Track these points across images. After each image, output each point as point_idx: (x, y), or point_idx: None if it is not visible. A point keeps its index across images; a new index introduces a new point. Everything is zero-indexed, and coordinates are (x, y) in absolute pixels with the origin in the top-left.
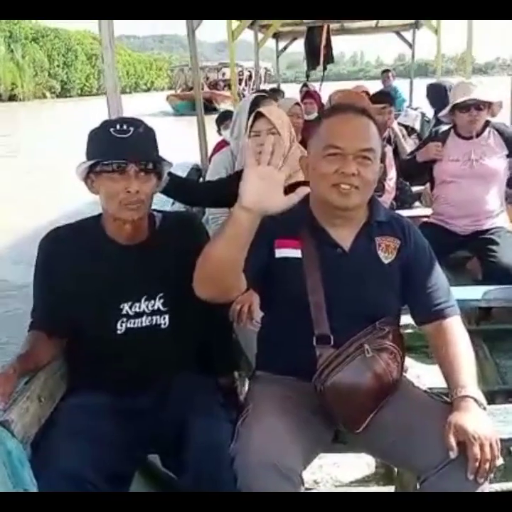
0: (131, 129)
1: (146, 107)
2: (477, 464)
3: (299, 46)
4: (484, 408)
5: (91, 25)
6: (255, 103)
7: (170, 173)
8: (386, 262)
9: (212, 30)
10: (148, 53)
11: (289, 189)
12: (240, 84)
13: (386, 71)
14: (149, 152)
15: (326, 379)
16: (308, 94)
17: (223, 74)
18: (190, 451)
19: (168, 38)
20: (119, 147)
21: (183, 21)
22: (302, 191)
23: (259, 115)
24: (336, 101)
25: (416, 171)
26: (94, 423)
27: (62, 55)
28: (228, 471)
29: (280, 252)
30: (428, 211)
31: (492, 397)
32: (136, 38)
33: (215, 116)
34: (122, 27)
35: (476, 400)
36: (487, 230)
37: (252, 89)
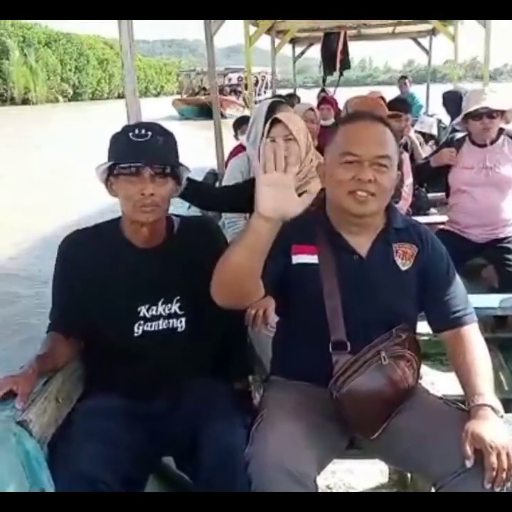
0: (150, 133)
1: (154, 111)
2: (494, 473)
3: (308, 52)
4: (501, 416)
5: (102, 30)
6: (272, 108)
7: (187, 178)
8: (403, 268)
9: (222, 35)
10: (158, 58)
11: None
12: (246, 89)
13: (403, 78)
14: (166, 156)
15: (341, 386)
16: (324, 100)
17: (229, 79)
18: (204, 455)
19: (176, 42)
20: (136, 150)
21: (192, 26)
22: (314, 189)
23: (276, 121)
24: (352, 107)
25: (430, 176)
26: (110, 425)
27: (74, 60)
28: (243, 476)
29: (297, 258)
30: (444, 218)
31: (507, 406)
32: (146, 43)
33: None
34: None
35: (493, 408)
36: (503, 239)
37: (259, 94)
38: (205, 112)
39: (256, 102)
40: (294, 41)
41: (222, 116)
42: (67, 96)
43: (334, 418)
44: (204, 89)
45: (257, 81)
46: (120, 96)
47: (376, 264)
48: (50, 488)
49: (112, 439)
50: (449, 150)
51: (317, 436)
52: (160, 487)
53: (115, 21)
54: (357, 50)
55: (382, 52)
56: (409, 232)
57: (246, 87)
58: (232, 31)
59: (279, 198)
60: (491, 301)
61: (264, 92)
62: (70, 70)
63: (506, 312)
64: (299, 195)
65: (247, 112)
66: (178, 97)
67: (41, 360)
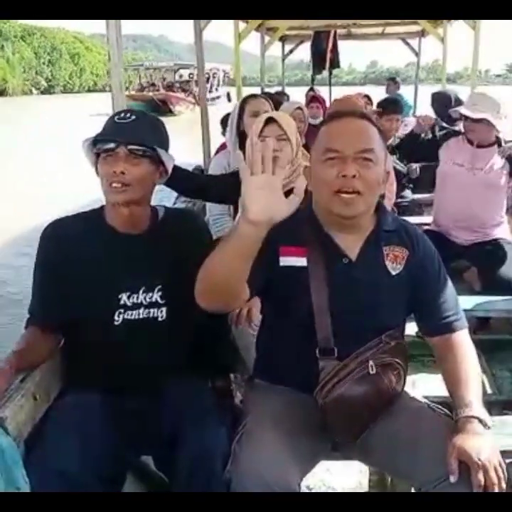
0: (133, 117)
1: (103, 106)
2: (481, 489)
3: (276, 50)
4: (489, 428)
5: (72, 25)
6: (243, 102)
7: (174, 166)
8: (394, 273)
9: (186, 31)
10: (123, 53)
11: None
12: (196, 86)
13: (391, 79)
14: (143, 137)
15: (327, 394)
16: (314, 99)
17: (180, 75)
18: (183, 454)
19: (141, 37)
20: (114, 130)
21: (157, 21)
22: (300, 190)
23: (270, 120)
24: (334, 107)
25: (415, 146)
26: (88, 422)
27: (48, 54)
28: (221, 476)
29: (285, 260)
30: (429, 219)
31: (488, 408)
32: (105, 36)
33: (169, 118)
34: (95, 25)
35: (481, 421)
36: (488, 242)
37: (210, 91)
38: (153, 108)
39: (207, 99)
40: (283, 39)
41: (171, 113)
42: (40, 88)
43: (318, 424)
44: (153, 84)
45: (208, 77)
46: (90, 90)
47: (366, 268)
48: (25, 486)
49: (89, 436)
50: (425, 115)
51: (300, 444)
52: (138, 486)
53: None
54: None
55: (346, 53)
56: (400, 234)
57: (196, 84)
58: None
59: (267, 201)
60: (475, 303)
61: (216, 89)
62: (43, 64)
63: (489, 314)
64: (286, 194)
65: (197, 110)
66: (126, 92)
67: (18, 356)
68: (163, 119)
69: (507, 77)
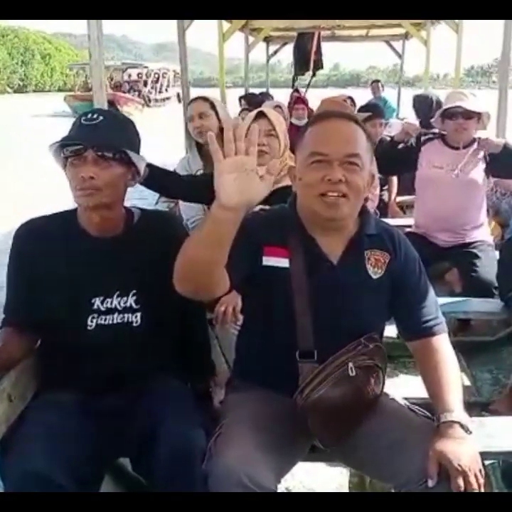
0: (101, 118)
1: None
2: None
3: (239, 52)
4: (470, 432)
5: (42, 26)
6: (188, 105)
7: (150, 165)
8: (375, 277)
9: (150, 31)
10: (85, 52)
11: (273, 193)
12: (145, 86)
13: (376, 81)
14: (113, 140)
15: (307, 396)
16: (299, 100)
17: (129, 75)
18: (161, 455)
19: (104, 37)
20: (81, 132)
21: (119, 22)
22: (273, 168)
23: (261, 115)
24: (320, 108)
25: (393, 156)
26: (64, 422)
27: (21, 54)
28: (200, 478)
29: (267, 260)
30: (411, 221)
31: (467, 410)
32: (73, 36)
33: None
34: (58, 24)
35: (461, 426)
36: (469, 244)
37: (160, 91)
38: None
39: (157, 100)
40: (268, 40)
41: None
42: (13, 87)
43: (297, 425)
44: None
45: (158, 77)
46: (60, 89)
47: (347, 272)
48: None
49: (65, 436)
50: (411, 124)
51: (278, 446)
52: (115, 488)
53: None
54: (286, 53)
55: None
56: (382, 238)
57: (145, 84)
58: (163, 27)
59: (242, 185)
60: (455, 304)
61: (166, 90)
62: (17, 64)
63: (469, 316)
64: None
65: (146, 111)
66: (71, 93)
67: None
68: None
69: (464, 81)
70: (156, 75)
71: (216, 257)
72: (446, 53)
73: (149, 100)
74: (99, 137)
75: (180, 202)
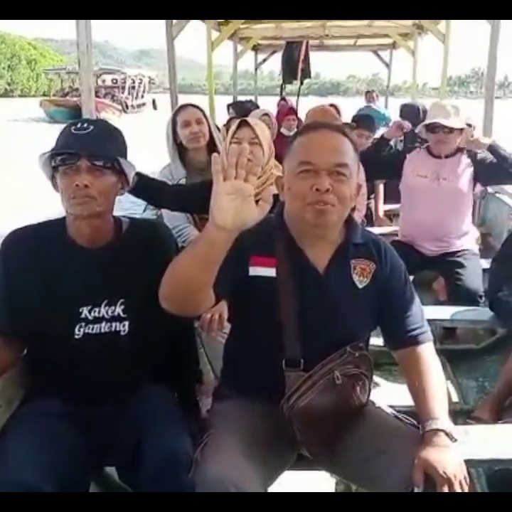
0: (91, 127)
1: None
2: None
3: (220, 59)
4: (455, 440)
5: (27, 31)
6: (176, 113)
7: (138, 173)
8: (360, 286)
9: (132, 37)
10: (65, 57)
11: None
12: (122, 92)
13: (370, 92)
14: (105, 149)
15: (294, 404)
16: (290, 111)
17: (103, 81)
18: (147, 463)
19: None
20: (73, 141)
21: (101, 27)
22: (268, 197)
23: (243, 124)
24: (308, 118)
25: (379, 161)
26: (50, 431)
27: (8, 59)
28: (185, 488)
29: (254, 270)
30: (396, 228)
31: (453, 417)
32: (53, 41)
33: None
34: (39, 29)
35: (447, 434)
36: (454, 252)
37: (136, 97)
38: (77, 114)
39: (134, 107)
40: (256, 48)
41: None
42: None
43: (283, 434)
44: (75, 89)
45: (134, 83)
46: (45, 94)
47: (333, 281)
48: None
49: (51, 445)
50: (400, 122)
51: (264, 454)
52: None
53: (38, 22)
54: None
55: None
56: (368, 247)
57: (123, 90)
58: (145, 34)
59: (239, 208)
60: (441, 312)
61: (142, 96)
62: (4, 68)
63: (455, 324)
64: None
65: (124, 117)
66: (46, 98)
67: None
68: None
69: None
70: (133, 81)
71: (205, 276)
72: (426, 63)
73: (127, 106)
74: (93, 146)
75: (164, 211)
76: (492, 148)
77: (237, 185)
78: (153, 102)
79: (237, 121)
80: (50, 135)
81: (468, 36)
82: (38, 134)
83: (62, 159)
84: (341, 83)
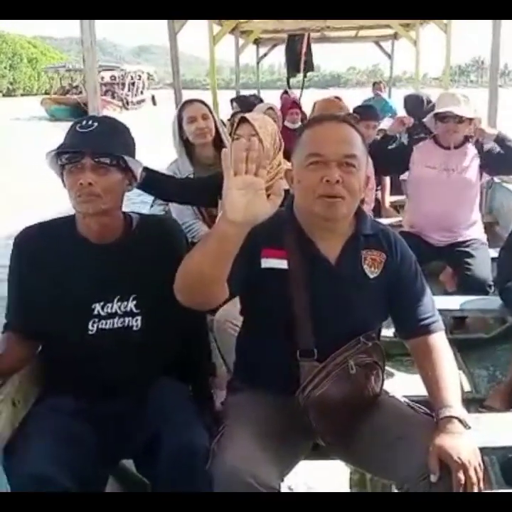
0: (96, 124)
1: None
2: (461, 489)
3: (221, 54)
4: (469, 427)
5: (26, 30)
6: (181, 108)
7: (146, 168)
8: (372, 276)
9: (130, 34)
10: (65, 55)
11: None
12: (123, 88)
13: (378, 83)
14: (110, 147)
15: (309, 394)
16: (294, 104)
17: (102, 78)
18: (164, 455)
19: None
20: (78, 139)
21: (98, 25)
22: (279, 190)
23: (244, 120)
24: (316, 110)
25: (386, 155)
26: (67, 426)
27: (9, 59)
28: (203, 477)
29: (266, 262)
30: (400, 219)
31: (465, 406)
32: (52, 39)
33: None
34: (38, 28)
35: (460, 421)
36: (462, 242)
37: (136, 94)
38: (78, 112)
39: (134, 103)
40: (257, 42)
41: None
42: (3, 91)
43: (298, 424)
44: (75, 87)
45: (134, 80)
46: (46, 92)
47: (345, 272)
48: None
49: (69, 439)
50: (403, 116)
51: (280, 445)
52: (119, 489)
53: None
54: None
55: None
56: (378, 238)
57: (123, 87)
58: (143, 30)
59: (249, 202)
60: (451, 302)
61: (142, 93)
62: (5, 68)
63: (465, 314)
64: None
65: (125, 114)
66: (47, 96)
67: None
68: None
69: (441, 80)
70: (132, 78)
71: (218, 271)
72: (427, 53)
73: (127, 103)
74: (96, 144)
75: (172, 206)
76: (499, 139)
77: (248, 179)
78: (153, 98)
79: (239, 117)
80: (50, 134)
81: (470, 25)
82: (38, 133)
83: (68, 158)
84: (341, 75)
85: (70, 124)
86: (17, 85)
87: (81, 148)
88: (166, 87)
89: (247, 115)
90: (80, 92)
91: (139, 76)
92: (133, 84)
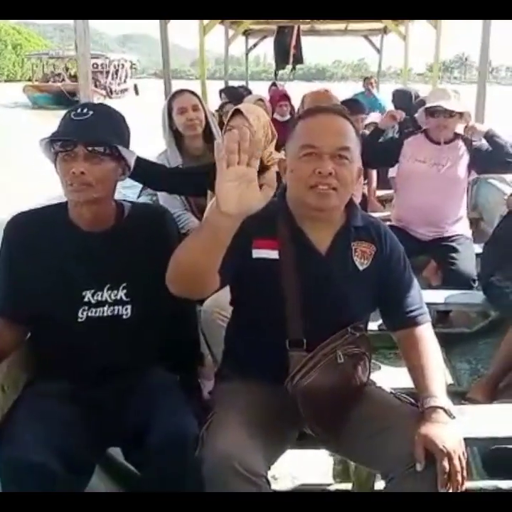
0: (91, 112)
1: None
2: (446, 476)
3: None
4: (454, 417)
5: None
6: (171, 100)
7: (138, 157)
8: (361, 268)
9: (115, 22)
10: (48, 42)
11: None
12: (106, 77)
13: (368, 78)
14: (103, 135)
15: (298, 383)
16: (283, 97)
17: None
18: (152, 441)
19: (68, 27)
20: (71, 128)
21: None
22: (271, 181)
23: (237, 112)
24: (308, 102)
25: (376, 149)
26: (56, 412)
27: None
28: (192, 463)
29: (257, 253)
30: (387, 213)
31: (450, 399)
32: (36, 25)
33: None
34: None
35: (445, 411)
36: (448, 237)
37: (119, 83)
38: (61, 99)
39: (116, 92)
40: (247, 33)
41: None
42: None
43: (286, 413)
44: (58, 75)
45: (117, 69)
46: (30, 79)
47: (335, 263)
48: None
49: (58, 424)
50: (395, 111)
51: (267, 433)
52: (106, 476)
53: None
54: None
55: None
56: (368, 230)
57: (107, 75)
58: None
59: (243, 194)
60: (435, 296)
61: (125, 81)
62: None
63: (448, 308)
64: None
65: (109, 102)
66: (30, 83)
67: None
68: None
69: (427, 76)
70: (116, 66)
71: (211, 262)
72: (412, 49)
73: (111, 91)
74: (90, 133)
75: (161, 195)
76: (488, 136)
77: (240, 170)
78: (135, 87)
79: (233, 109)
80: (33, 121)
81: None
82: (20, 121)
83: (61, 145)
84: (327, 68)
85: (53, 112)
86: (1, 71)
87: (74, 136)
88: (149, 76)
89: (241, 107)
90: (63, 80)
91: (122, 65)
92: (116, 72)
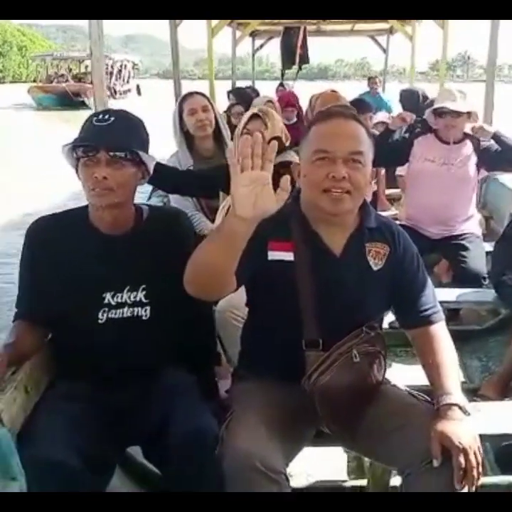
0: (112, 118)
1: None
2: (462, 472)
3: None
4: (469, 414)
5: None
6: (182, 100)
7: (157, 163)
8: (376, 268)
9: (118, 23)
10: (51, 43)
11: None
12: (110, 78)
13: (373, 78)
14: (125, 141)
15: (315, 381)
16: (289, 103)
17: (86, 66)
18: (172, 440)
19: (72, 28)
20: (93, 133)
21: None
22: (286, 184)
23: (255, 116)
24: (317, 104)
25: (387, 148)
26: (77, 412)
27: (0, 47)
28: (211, 461)
29: (273, 255)
30: (395, 212)
31: None
32: (39, 27)
33: (84, 112)
34: None
35: (461, 408)
36: (458, 235)
37: (122, 84)
38: (65, 100)
39: (120, 92)
40: (254, 34)
41: (85, 105)
42: None
43: (303, 410)
44: (61, 75)
45: (121, 69)
46: (35, 80)
47: (350, 264)
48: (20, 477)
49: (79, 425)
50: (406, 113)
51: (285, 432)
52: (127, 475)
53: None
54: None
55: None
56: (381, 231)
57: (110, 76)
58: (127, 20)
59: (258, 198)
60: (446, 294)
61: (128, 82)
62: None
63: (459, 305)
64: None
65: (112, 103)
66: (34, 84)
67: (9, 350)
68: (78, 112)
69: (429, 75)
70: (119, 67)
71: (228, 264)
72: (417, 48)
73: (115, 92)
74: (112, 138)
75: (172, 197)
76: (496, 137)
77: (254, 175)
78: (138, 87)
79: (250, 113)
80: (36, 123)
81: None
82: (23, 122)
83: (83, 151)
84: (329, 67)
85: (58, 113)
86: (7, 73)
87: (97, 142)
88: (152, 76)
89: (257, 110)
90: (66, 80)
91: (125, 65)
92: (120, 73)
